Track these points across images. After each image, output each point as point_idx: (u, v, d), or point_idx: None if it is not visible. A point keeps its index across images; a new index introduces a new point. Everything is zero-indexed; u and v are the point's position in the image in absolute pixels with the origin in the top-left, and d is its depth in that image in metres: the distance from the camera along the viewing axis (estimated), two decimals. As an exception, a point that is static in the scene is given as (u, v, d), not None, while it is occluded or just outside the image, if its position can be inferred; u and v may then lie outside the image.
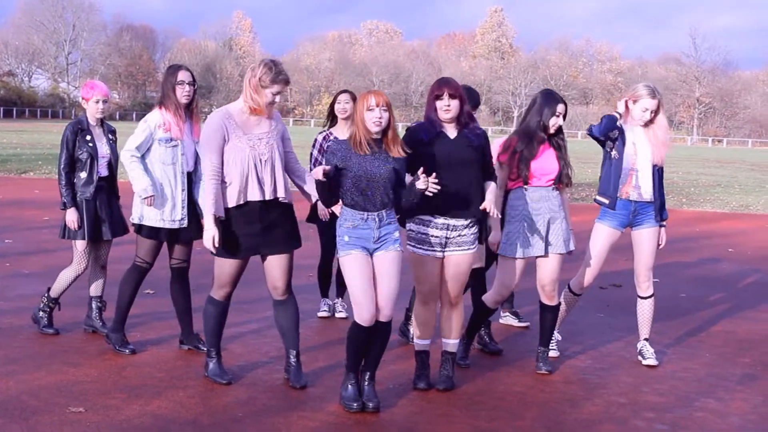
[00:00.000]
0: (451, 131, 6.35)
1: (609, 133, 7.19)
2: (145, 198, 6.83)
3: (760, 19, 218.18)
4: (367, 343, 5.93)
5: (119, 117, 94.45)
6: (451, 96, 6.25)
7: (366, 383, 6.02)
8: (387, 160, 5.89)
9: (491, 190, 6.40)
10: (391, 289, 5.89)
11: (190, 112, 7.05)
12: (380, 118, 5.82)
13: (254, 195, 6.13)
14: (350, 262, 5.85)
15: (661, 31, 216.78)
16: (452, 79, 6.43)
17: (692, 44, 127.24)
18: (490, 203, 6.24)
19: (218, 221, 6.12)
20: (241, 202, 6.14)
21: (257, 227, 6.20)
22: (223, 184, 6.17)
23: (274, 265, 6.31)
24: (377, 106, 5.82)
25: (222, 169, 6.17)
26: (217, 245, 6.12)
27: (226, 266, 6.29)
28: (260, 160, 6.13)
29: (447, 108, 6.26)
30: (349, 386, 5.99)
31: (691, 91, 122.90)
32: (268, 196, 6.17)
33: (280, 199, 6.22)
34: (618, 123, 7.19)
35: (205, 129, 6.23)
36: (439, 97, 6.28)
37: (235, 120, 6.17)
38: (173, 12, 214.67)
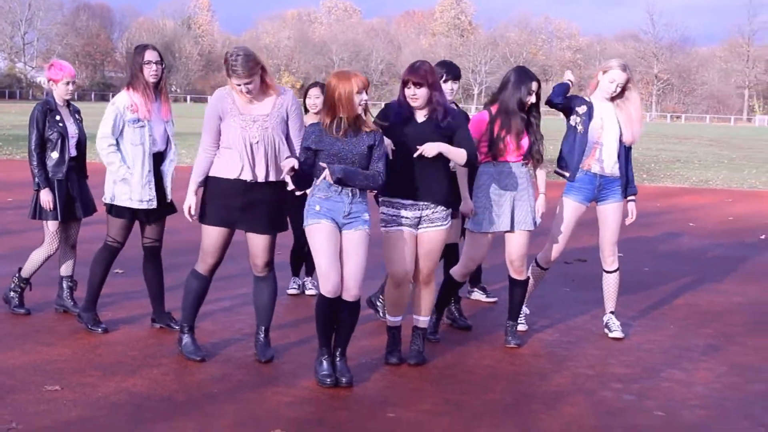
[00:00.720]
0: (421, 116, 6.40)
1: (576, 108, 7.30)
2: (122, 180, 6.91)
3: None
4: (334, 316, 6.01)
5: (78, 97, 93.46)
6: (416, 84, 6.28)
7: (338, 359, 6.10)
8: (361, 139, 5.93)
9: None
10: (357, 268, 5.96)
11: (159, 91, 7.07)
12: (366, 100, 5.89)
13: (244, 174, 6.22)
14: (319, 231, 5.90)
15: (619, 8, 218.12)
16: (424, 65, 6.38)
17: (650, 21, 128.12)
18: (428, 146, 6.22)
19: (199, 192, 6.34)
20: (234, 177, 6.23)
21: (237, 202, 6.27)
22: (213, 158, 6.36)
23: (255, 242, 6.40)
24: (365, 89, 5.86)
25: (216, 145, 6.31)
26: (193, 214, 6.33)
27: (208, 236, 6.38)
28: (249, 142, 6.19)
29: (413, 97, 6.30)
30: (323, 362, 6.06)
31: (649, 68, 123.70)
32: (258, 179, 6.24)
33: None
34: (575, 93, 7.35)
35: (207, 107, 6.36)
36: (406, 84, 6.34)
37: (233, 99, 6.24)
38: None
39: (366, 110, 5.95)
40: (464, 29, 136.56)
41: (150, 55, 6.95)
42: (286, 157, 6.06)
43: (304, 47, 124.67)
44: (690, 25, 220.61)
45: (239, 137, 6.18)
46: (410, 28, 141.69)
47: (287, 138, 6.35)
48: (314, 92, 8.39)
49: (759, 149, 42.18)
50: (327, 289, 5.89)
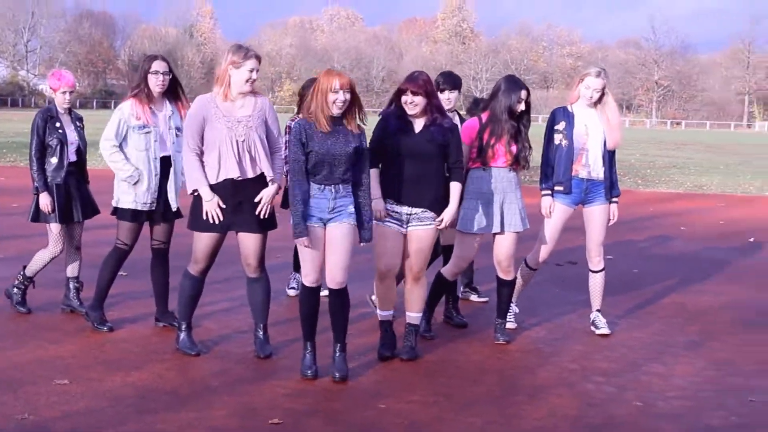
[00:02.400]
0: (418, 124, 6.71)
1: (555, 126, 7.63)
2: (134, 183, 7.16)
3: (717, 1, 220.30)
4: (317, 307, 6.37)
5: (79, 105, 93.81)
6: (414, 93, 6.59)
7: (337, 354, 6.38)
8: (347, 138, 6.20)
9: (455, 194, 6.78)
10: (341, 258, 6.27)
11: (174, 98, 7.38)
12: (344, 101, 6.12)
13: (230, 173, 6.48)
14: None
15: (620, 14, 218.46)
16: (422, 75, 6.72)
17: (651, 28, 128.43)
18: (447, 216, 6.74)
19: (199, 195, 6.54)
20: (219, 179, 6.49)
21: (230, 205, 6.53)
22: (202, 162, 6.54)
23: (247, 243, 6.66)
24: (341, 88, 6.10)
25: (201, 147, 6.53)
26: (222, 207, 6.49)
27: (200, 241, 6.64)
28: (236, 140, 6.47)
29: (412, 104, 6.62)
30: (306, 355, 6.41)
31: (650, 75, 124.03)
32: (246, 175, 6.50)
33: (267, 177, 6.57)
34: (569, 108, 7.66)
35: (188, 112, 6.64)
36: (404, 92, 6.65)
37: (217, 104, 6.53)
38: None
39: (354, 110, 6.24)
40: (466, 36, 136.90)
41: (157, 66, 7.24)
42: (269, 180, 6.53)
43: (305, 55, 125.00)
44: (691, 33, 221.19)
45: (226, 137, 6.45)
46: (412, 36, 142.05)
47: (268, 139, 6.65)
48: None
49: (756, 155, 42.46)
50: (308, 281, 6.30)
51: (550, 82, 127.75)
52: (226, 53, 6.58)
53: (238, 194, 6.54)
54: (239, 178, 6.51)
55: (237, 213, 6.57)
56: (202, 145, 6.54)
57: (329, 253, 6.27)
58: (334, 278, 6.29)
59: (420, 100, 6.61)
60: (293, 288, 8.94)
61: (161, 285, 7.57)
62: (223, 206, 6.52)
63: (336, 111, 6.15)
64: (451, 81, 7.94)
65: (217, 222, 6.52)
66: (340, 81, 6.09)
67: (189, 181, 6.58)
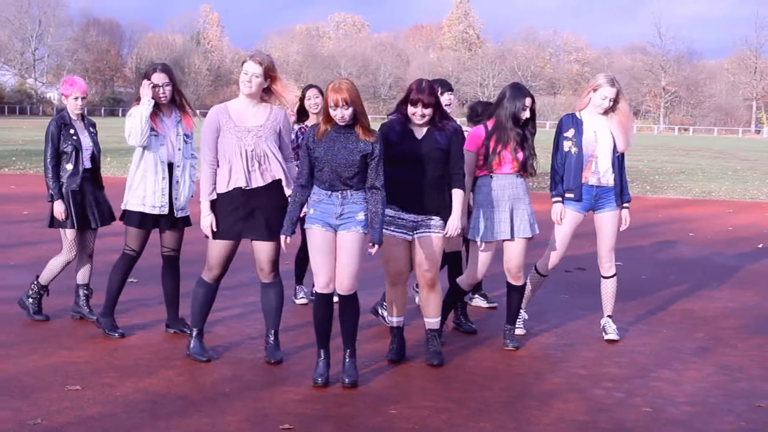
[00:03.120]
0: (420, 131, 6.76)
1: (564, 134, 7.65)
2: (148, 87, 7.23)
3: (723, 8, 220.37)
4: (328, 312, 6.37)
5: (87, 112, 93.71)
6: (425, 105, 6.63)
7: (347, 359, 6.43)
8: (355, 145, 6.22)
9: (457, 201, 6.76)
10: (350, 267, 6.30)
11: (177, 106, 7.42)
12: (342, 117, 6.18)
13: (239, 182, 6.57)
14: (311, 235, 6.30)
15: (627, 20, 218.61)
16: (429, 84, 6.74)
17: (657, 34, 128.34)
18: (451, 227, 6.71)
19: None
20: (229, 188, 6.58)
21: (240, 213, 6.62)
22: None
23: (260, 249, 6.73)
24: (336, 105, 6.14)
25: (217, 159, 6.63)
26: (215, 229, 6.63)
27: (214, 248, 6.71)
28: (245, 150, 6.55)
29: (422, 115, 6.66)
30: (319, 362, 6.42)
31: (657, 81, 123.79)
32: (253, 184, 6.58)
33: (285, 187, 6.65)
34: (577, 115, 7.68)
35: (203, 123, 6.68)
36: (414, 104, 6.68)
37: (229, 113, 6.63)
38: (140, 6, 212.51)
39: (362, 120, 6.25)
40: (472, 43, 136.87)
41: (156, 78, 7.29)
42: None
43: (312, 62, 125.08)
44: (697, 38, 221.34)
45: (235, 146, 6.56)
46: (418, 42, 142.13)
47: (280, 148, 6.72)
48: (312, 92, 8.75)
49: (764, 161, 42.44)
50: (319, 286, 6.31)
51: (557, 88, 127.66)
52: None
53: (249, 202, 6.61)
54: (247, 188, 6.57)
55: (249, 220, 6.63)
56: (217, 154, 6.65)
57: (339, 259, 6.31)
58: (343, 284, 6.33)
59: (430, 113, 6.66)
60: (302, 298, 8.95)
61: (172, 292, 7.61)
62: (215, 229, 6.65)
63: (342, 123, 6.22)
64: (447, 84, 8.14)
65: (209, 237, 6.66)
66: (334, 98, 6.15)
67: (200, 191, 6.68)
